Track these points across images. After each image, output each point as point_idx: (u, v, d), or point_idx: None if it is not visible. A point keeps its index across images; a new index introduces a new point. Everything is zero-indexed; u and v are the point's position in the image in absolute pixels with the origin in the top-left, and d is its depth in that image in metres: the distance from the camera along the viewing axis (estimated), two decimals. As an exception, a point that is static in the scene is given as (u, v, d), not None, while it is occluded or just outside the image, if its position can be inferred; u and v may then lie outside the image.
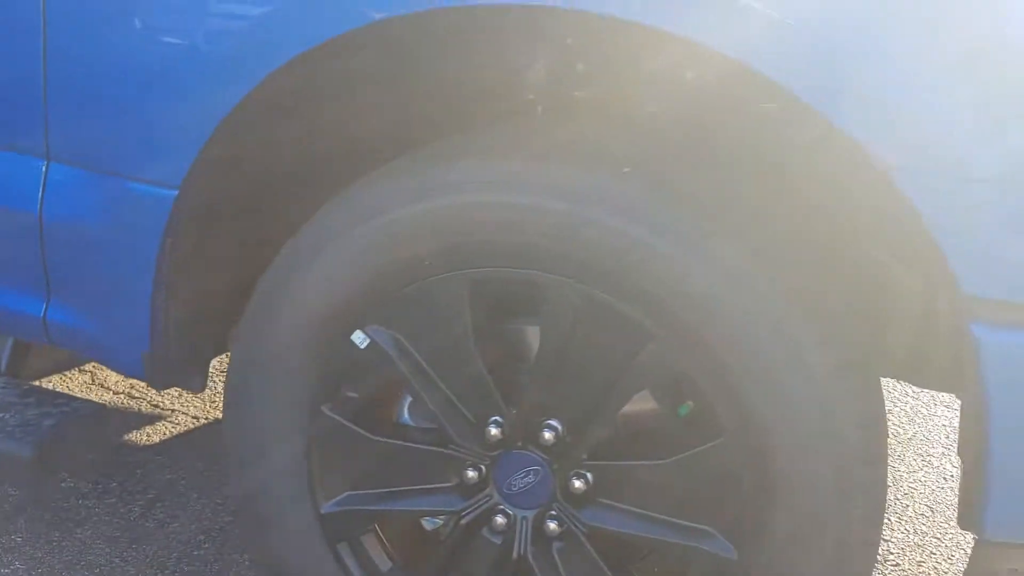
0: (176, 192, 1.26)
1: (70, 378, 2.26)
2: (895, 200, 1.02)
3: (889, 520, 2.04)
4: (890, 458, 2.21)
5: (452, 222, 1.18)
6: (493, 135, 1.26)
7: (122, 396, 2.23)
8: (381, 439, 1.32)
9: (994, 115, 1.00)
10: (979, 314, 1.03)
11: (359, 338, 1.27)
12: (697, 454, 1.19)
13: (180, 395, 2.24)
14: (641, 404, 1.24)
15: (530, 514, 1.29)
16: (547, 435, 1.25)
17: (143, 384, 2.26)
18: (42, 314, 1.41)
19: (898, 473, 2.20)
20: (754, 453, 1.14)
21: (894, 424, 2.41)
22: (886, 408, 1.20)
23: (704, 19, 1.04)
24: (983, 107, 1.00)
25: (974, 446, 1.11)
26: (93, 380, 2.28)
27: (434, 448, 1.30)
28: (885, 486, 1.17)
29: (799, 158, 1.21)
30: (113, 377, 2.28)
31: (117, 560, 1.72)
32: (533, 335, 1.26)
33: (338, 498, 1.36)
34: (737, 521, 1.19)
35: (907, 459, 2.26)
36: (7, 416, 1.42)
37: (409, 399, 1.36)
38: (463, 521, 1.32)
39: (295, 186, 1.40)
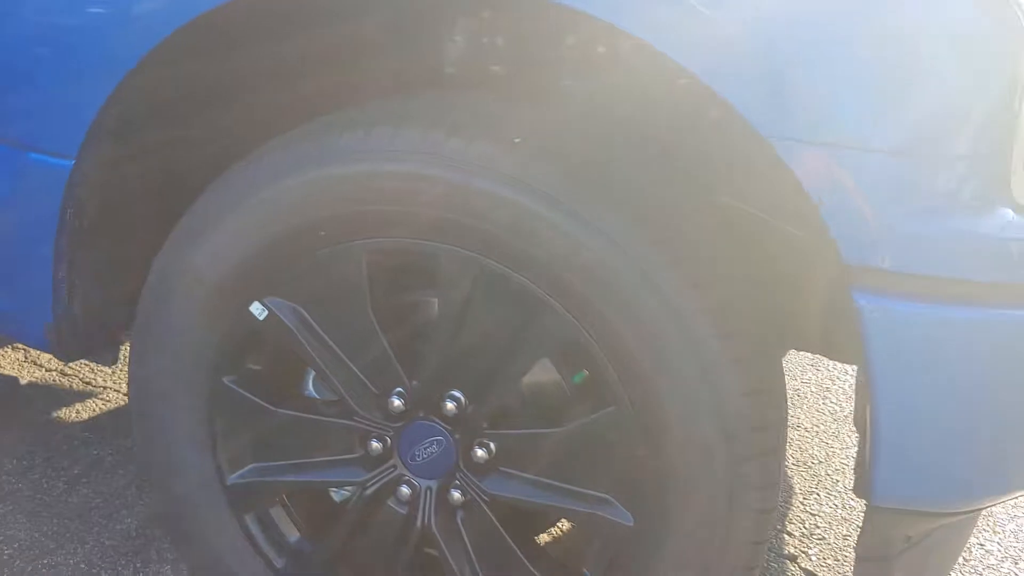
0: (72, 162, 1.25)
1: (2, 355, 2.24)
2: (780, 169, 1.02)
3: (818, 495, 2.06)
4: (824, 434, 2.26)
5: (346, 191, 1.17)
6: (390, 106, 1.25)
7: (54, 373, 2.22)
8: (284, 411, 1.31)
9: (871, 83, 1.00)
10: (861, 282, 1.04)
11: (257, 309, 1.26)
12: (591, 422, 1.19)
13: (112, 373, 2.23)
14: (540, 374, 1.24)
15: (434, 484, 1.30)
16: (449, 405, 1.25)
17: (79, 362, 2.25)
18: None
19: (831, 449, 2.22)
20: (645, 420, 1.15)
21: (831, 402, 2.43)
22: (783, 377, 1.21)
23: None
24: (860, 75, 1.00)
25: (864, 414, 1.12)
26: (26, 358, 2.26)
27: (337, 420, 1.30)
28: (780, 453, 1.18)
29: (689, 131, 1.21)
30: (46, 355, 2.26)
31: (37, 535, 1.71)
32: (432, 306, 1.26)
33: (243, 470, 1.35)
34: (634, 488, 1.20)
35: (841, 436, 2.28)
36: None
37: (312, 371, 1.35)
38: (368, 492, 1.32)
39: (194, 156, 1.38)
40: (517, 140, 1.14)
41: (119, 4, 1.19)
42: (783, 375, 1.21)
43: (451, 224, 1.15)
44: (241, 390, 1.31)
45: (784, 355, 1.53)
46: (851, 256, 1.03)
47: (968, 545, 1.89)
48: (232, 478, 1.35)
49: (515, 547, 1.27)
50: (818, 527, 1.96)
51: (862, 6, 0.99)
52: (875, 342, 1.05)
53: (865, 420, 1.13)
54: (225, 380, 1.31)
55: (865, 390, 1.10)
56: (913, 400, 1.06)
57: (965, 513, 1.17)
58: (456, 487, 1.28)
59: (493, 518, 1.27)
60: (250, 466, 1.36)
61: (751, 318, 1.15)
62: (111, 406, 2.11)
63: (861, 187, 1.01)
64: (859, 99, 1.00)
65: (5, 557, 1.66)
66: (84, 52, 1.20)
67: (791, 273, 1.27)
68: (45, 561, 1.65)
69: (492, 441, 1.25)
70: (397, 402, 1.26)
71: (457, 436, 1.26)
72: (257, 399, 1.31)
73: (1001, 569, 1.87)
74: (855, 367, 2.41)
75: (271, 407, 1.31)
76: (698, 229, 1.16)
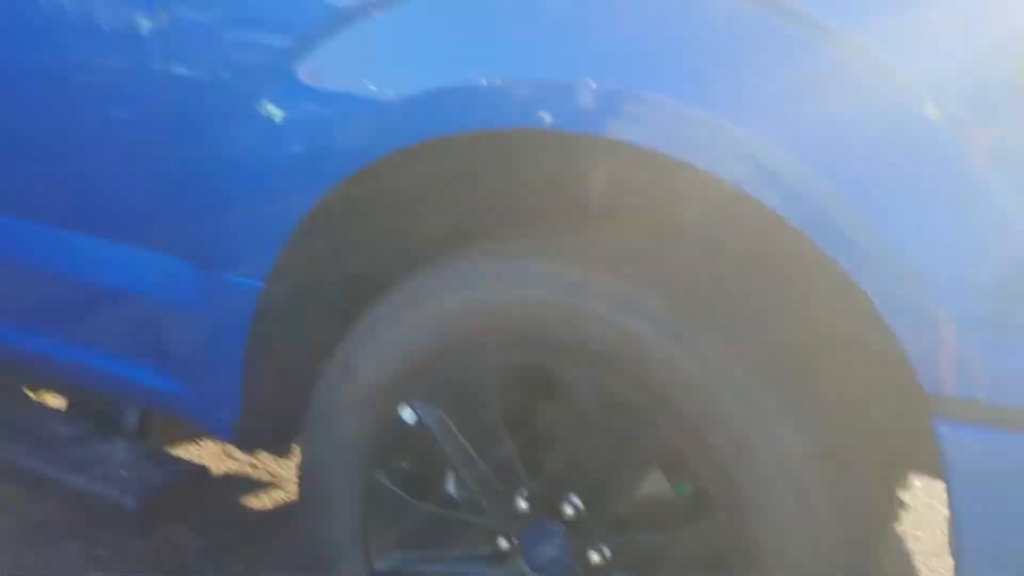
0: (262, 284, 1.49)
1: (201, 447, 2.52)
2: (860, 298, 1.13)
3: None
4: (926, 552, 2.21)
5: (489, 314, 1.35)
6: (532, 240, 1.42)
7: (245, 464, 2.48)
8: (426, 506, 1.48)
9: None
10: (942, 411, 1.12)
11: (406, 413, 1.45)
12: (695, 530, 1.29)
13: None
14: (651, 484, 1.36)
15: (554, 585, 1.42)
16: (568, 509, 1.38)
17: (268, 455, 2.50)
18: (154, 384, 1.66)
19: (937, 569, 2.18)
20: (742, 531, 1.24)
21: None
22: (872, 494, 1.28)
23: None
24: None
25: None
26: (224, 451, 2.54)
27: (471, 518, 1.46)
28: (867, 567, 1.25)
29: (790, 269, 1.32)
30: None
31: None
32: (556, 414, 1.40)
33: (388, 557, 1.52)
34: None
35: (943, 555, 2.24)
36: (123, 471, 1.66)
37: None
38: (497, 587, 1.46)
39: (373, 279, 1.60)
40: (630, 270, 1.29)
41: (312, 142, 1.42)
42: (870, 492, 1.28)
43: (576, 346, 1.30)
44: (391, 485, 1.49)
45: (902, 480, 1.58)
46: (931, 385, 1.11)
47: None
48: (378, 564, 1.52)
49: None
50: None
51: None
52: (956, 472, 1.12)
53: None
54: (377, 475, 1.49)
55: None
56: (993, 532, 1.11)
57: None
58: (575, 588, 1.40)
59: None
60: (397, 555, 1.53)
61: (839, 438, 1.24)
62: (291, 496, 2.35)
63: (940, 318, 1.09)
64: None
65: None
66: (274, 190, 1.45)
67: (889, 401, 1.34)
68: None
69: (607, 546, 1.37)
70: (522, 504, 1.41)
71: (574, 539, 1.39)
72: (403, 494, 1.48)
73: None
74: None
75: (415, 502, 1.48)
76: (793, 356, 1.27)
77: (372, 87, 1.35)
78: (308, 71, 1.39)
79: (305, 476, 1.57)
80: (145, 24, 1.47)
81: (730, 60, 1.16)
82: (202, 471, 1.75)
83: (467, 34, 1.31)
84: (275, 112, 1.40)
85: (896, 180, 1.11)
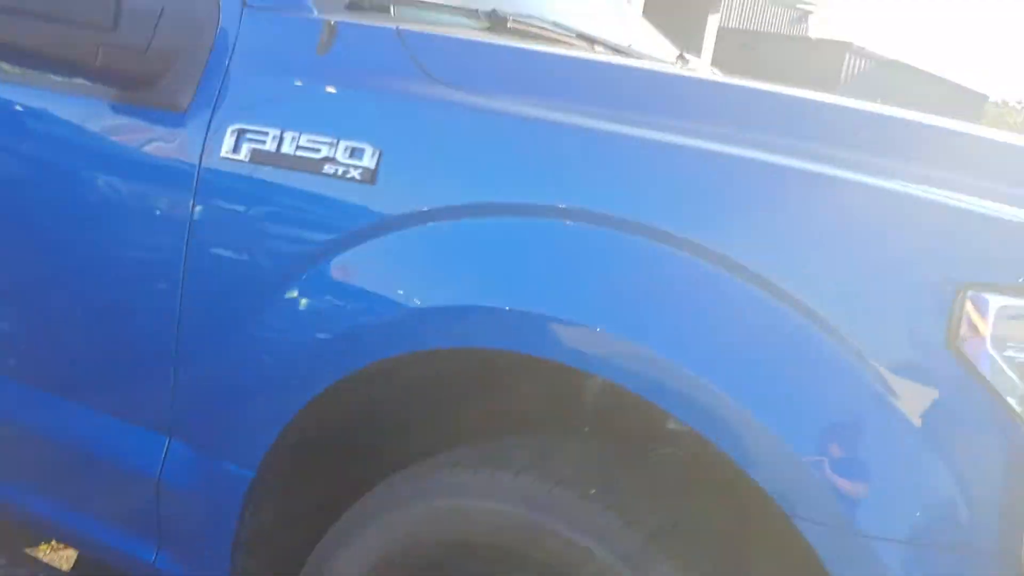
0: (254, 474, 1.56)
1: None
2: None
3: None
4: None
5: (445, 520, 1.40)
6: (491, 450, 1.48)
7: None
8: None
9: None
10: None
11: (380, 613, 1.48)
12: None
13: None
14: None
15: None
16: None
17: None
18: (153, 559, 1.72)
19: None
20: None
21: None
22: None
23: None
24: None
25: None
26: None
27: None
28: None
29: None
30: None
31: None
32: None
33: None
34: None
35: None
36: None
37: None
38: None
39: (355, 475, 1.66)
40: (592, 492, 1.34)
41: (292, 353, 1.51)
42: None
43: (526, 557, 1.34)
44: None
45: None
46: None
47: None
48: None
49: None
50: None
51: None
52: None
53: None
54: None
55: None
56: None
57: None
58: None
59: None
60: None
61: None
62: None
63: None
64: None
65: None
66: (265, 392, 1.53)
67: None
68: None
69: None
70: None
71: None
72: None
73: None
74: None
75: None
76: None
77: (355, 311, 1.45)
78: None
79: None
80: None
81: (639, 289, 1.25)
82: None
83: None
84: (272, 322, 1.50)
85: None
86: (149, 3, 1.61)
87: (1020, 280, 1.15)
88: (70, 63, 1.59)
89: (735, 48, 20.64)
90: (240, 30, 1.63)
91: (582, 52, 1.88)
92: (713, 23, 17.47)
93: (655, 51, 2.41)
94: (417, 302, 1.42)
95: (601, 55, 1.91)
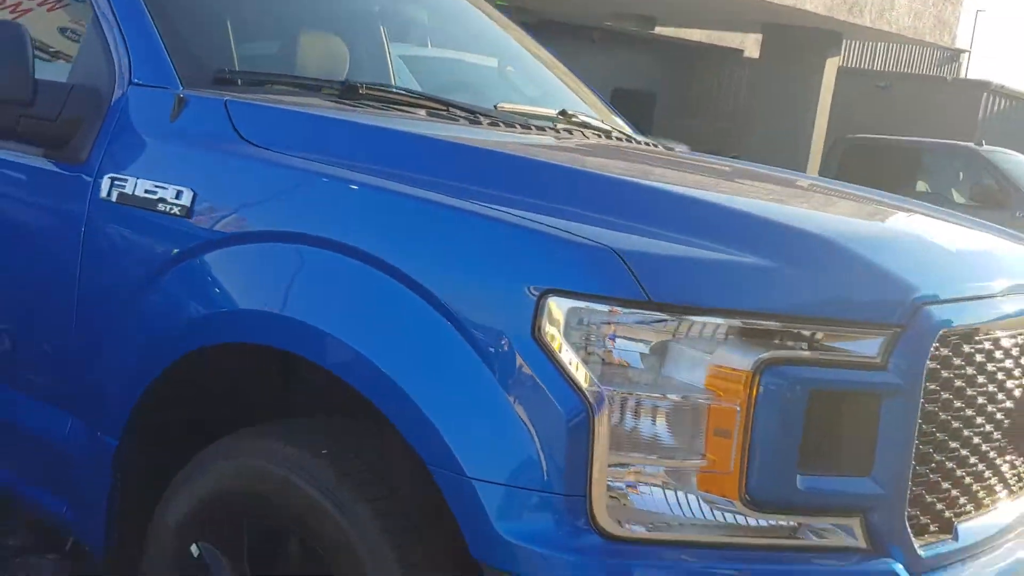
0: (116, 442, 2.03)
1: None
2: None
3: None
4: None
5: (235, 475, 1.83)
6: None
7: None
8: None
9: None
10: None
11: (195, 549, 1.92)
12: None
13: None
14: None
15: None
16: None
17: None
18: (64, 511, 2.21)
19: None
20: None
21: None
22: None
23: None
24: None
25: None
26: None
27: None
28: None
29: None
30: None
31: None
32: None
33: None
34: None
35: None
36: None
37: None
38: None
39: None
40: (324, 452, 1.74)
41: (142, 342, 1.98)
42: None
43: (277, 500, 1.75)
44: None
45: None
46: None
47: None
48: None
49: None
50: None
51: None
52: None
53: None
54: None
55: None
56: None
57: None
58: None
59: None
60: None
61: None
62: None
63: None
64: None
65: None
66: (123, 372, 2.00)
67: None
68: None
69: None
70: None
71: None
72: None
73: None
74: None
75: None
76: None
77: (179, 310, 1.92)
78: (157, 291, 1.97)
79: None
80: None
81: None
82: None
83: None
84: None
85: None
86: (58, 87, 2.14)
87: (581, 288, 1.51)
88: (-1, 130, 2.14)
89: (870, 89, 20.48)
90: (126, 103, 2.14)
91: (376, 116, 2.28)
92: (832, 65, 17.43)
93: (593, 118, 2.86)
94: (213, 307, 1.88)
95: (379, 118, 2.27)
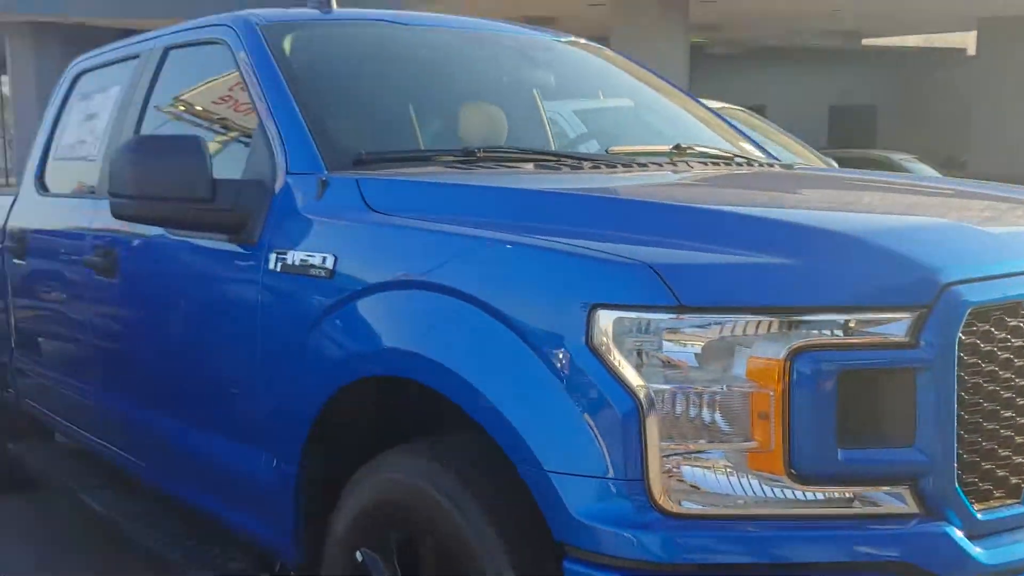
0: (297, 467, 2.45)
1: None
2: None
3: None
4: None
5: (384, 486, 2.18)
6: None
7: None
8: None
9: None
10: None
11: (359, 556, 2.29)
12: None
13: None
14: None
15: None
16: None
17: None
18: (252, 526, 2.66)
19: None
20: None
21: None
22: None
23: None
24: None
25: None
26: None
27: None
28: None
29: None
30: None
31: None
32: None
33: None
34: None
35: None
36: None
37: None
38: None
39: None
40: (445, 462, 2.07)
41: (311, 377, 2.39)
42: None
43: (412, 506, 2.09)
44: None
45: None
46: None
47: None
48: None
49: None
50: None
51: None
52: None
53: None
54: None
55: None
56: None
57: None
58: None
59: None
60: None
61: None
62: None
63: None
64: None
65: None
66: (297, 403, 2.42)
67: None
68: None
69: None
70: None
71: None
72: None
73: None
74: None
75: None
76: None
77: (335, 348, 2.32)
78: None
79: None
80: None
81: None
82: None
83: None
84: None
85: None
86: (232, 183, 2.62)
87: (623, 300, 1.76)
88: (185, 223, 2.64)
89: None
90: (284, 190, 2.59)
91: (482, 175, 2.63)
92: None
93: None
94: (358, 346, 2.26)
95: (495, 179, 2.62)
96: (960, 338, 1.75)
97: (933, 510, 1.75)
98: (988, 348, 1.79)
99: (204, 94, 3.22)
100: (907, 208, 2.38)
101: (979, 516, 1.77)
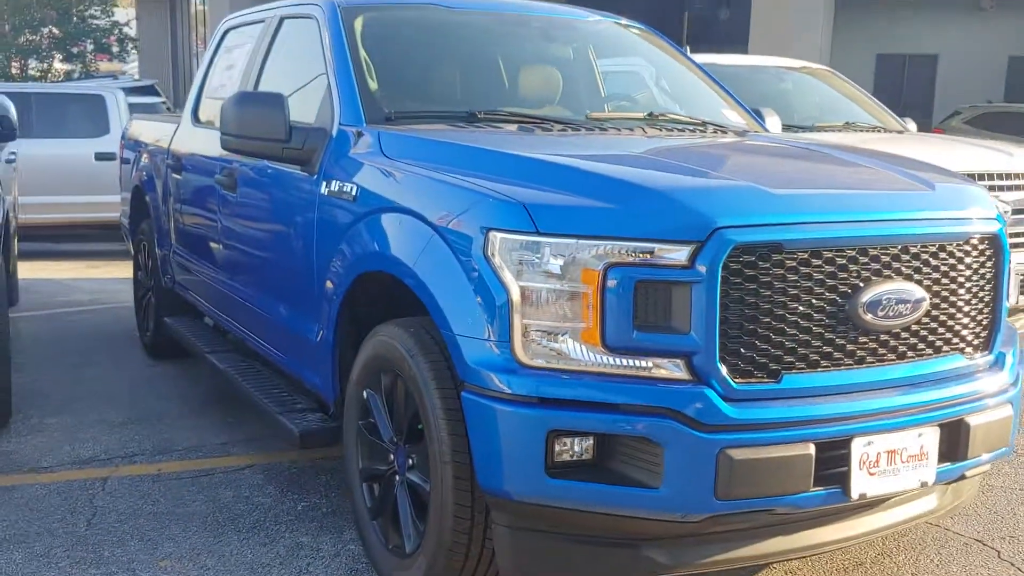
0: (332, 334, 3.50)
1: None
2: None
3: None
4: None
5: (379, 346, 3.21)
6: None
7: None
8: (370, 437, 3.32)
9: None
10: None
11: (365, 394, 3.32)
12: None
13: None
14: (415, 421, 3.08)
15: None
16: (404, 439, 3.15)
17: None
18: (309, 377, 3.75)
19: None
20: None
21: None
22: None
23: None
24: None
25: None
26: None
27: (382, 442, 3.27)
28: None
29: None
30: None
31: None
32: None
33: (368, 455, 3.39)
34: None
35: None
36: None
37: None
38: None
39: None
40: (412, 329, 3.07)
41: (344, 264, 3.42)
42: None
43: (396, 363, 3.12)
44: (364, 430, 3.36)
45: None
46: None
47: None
48: (364, 462, 3.40)
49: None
50: None
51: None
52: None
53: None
54: (361, 422, 3.38)
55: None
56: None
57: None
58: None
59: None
60: (367, 451, 3.40)
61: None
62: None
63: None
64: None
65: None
66: (336, 284, 3.47)
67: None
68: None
69: (413, 454, 3.11)
70: (393, 436, 3.20)
71: (411, 454, 3.15)
72: (368, 434, 3.35)
73: None
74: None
75: (370, 436, 3.34)
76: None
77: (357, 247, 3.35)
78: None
79: (345, 415, 3.49)
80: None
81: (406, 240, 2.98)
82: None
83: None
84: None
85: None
86: (302, 130, 3.67)
87: (504, 226, 2.69)
88: (271, 156, 3.72)
89: None
90: (336, 137, 3.62)
91: (469, 134, 3.56)
92: None
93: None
94: (363, 250, 3.28)
95: (476, 135, 3.55)
96: (728, 264, 2.59)
97: (701, 378, 2.62)
98: (751, 273, 2.63)
99: (301, 56, 4.25)
100: (740, 170, 3.16)
101: (735, 386, 2.63)
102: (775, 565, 3.48)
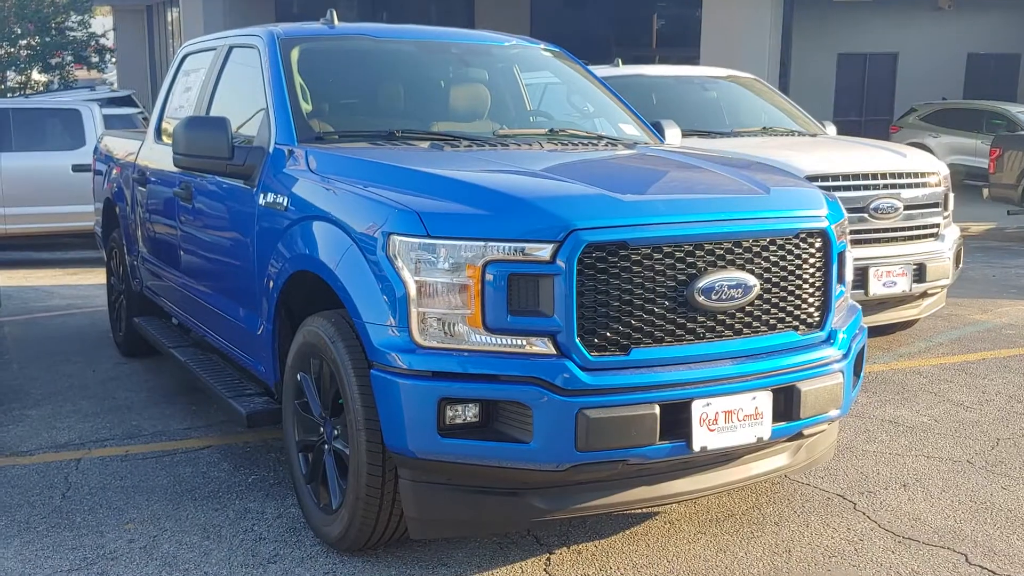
0: (272, 326, 4.05)
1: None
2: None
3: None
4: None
5: (308, 336, 3.76)
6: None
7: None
8: (303, 413, 3.88)
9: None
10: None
11: (298, 377, 3.87)
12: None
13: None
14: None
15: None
16: (329, 413, 3.70)
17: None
18: (260, 368, 4.30)
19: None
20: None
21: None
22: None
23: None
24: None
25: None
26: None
27: (312, 416, 3.82)
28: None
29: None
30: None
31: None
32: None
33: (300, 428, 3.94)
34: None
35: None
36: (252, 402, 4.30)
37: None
38: (320, 445, 3.81)
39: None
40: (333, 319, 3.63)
41: (280, 265, 3.98)
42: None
43: (322, 351, 3.67)
44: (299, 408, 3.92)
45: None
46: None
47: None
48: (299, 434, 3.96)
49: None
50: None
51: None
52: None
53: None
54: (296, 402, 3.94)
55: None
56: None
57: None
58: (334, 444, 3.72)
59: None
60: (299, 426, 3.96)
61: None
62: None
63: (364, 335, 3.32)
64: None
65: (284, 480, 4.43)
66: (269, 287, 4.03)
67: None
68: (292, 483, 4.38)
69: (336, 426, 3.67)
70: (321, 411, 3.76)
71: (335, 427, 3.71)
72: (301, 410, 3.90)
73: None
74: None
75: (303, 412, 3.90)
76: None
77: (287, 251, 3.91)
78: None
79: (284, 396, 4.04)
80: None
81: (328, 244, 3.55)
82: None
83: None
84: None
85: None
86: (243, 148, 4.22)
87: (402, 231, 3.25)
88: (217, 172, 4.28)
89: None
90: (272, 155, 4.18)
91: (385, 151, 4.12)
92: None
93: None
94: (293, 252, 3.83)
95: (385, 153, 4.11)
96: (583, 259, 3.15)
97: (563, 353, 3.19)
98: (602, 266, 3.20)
99: (246, 81, 4.79)
100: (600, 179, 3.67)
101: (591, 358, 3.20)
102: (658, 514, 4.05)
